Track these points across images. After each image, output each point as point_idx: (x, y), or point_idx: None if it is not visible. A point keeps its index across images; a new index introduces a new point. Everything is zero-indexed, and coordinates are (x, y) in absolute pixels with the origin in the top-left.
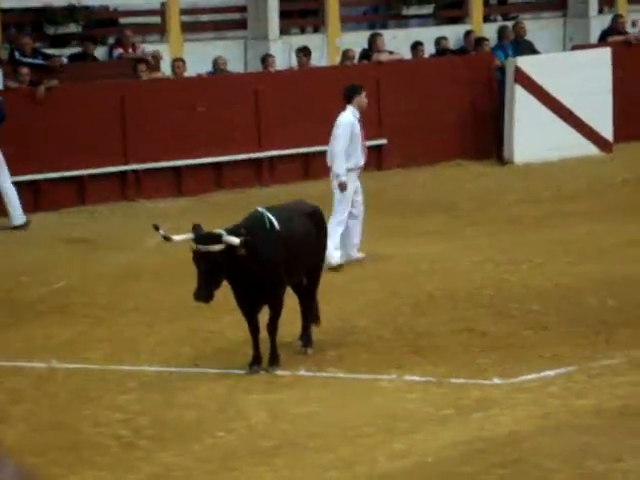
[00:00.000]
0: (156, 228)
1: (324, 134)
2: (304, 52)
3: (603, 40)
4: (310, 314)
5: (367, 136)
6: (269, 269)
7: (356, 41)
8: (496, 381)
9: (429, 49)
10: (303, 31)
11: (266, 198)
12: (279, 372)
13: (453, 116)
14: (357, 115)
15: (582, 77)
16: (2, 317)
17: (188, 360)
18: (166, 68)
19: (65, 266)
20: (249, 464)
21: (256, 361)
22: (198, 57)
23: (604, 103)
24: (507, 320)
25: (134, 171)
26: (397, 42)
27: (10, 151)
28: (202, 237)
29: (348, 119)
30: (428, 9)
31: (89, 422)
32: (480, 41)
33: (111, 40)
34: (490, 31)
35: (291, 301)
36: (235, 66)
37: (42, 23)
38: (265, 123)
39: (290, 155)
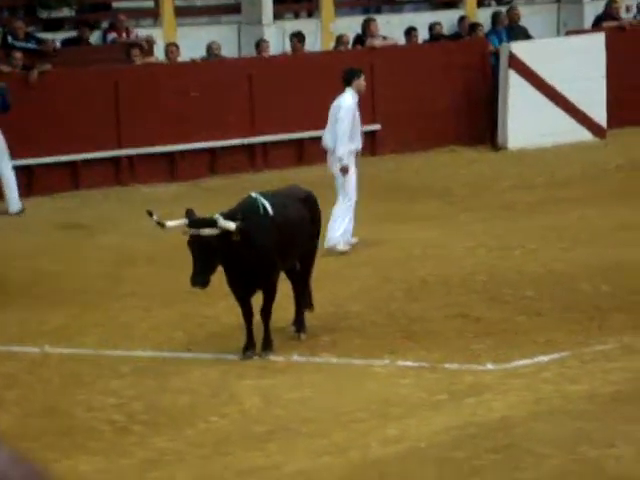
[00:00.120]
0: (150, 214)
1: (318, 119)
2: (298, 37)
3: (597, 25)
4: (303, 300)
5: (361, 122)
6: (263, 254)
7: (350, 26)
8: (489, 366)
9: (423, 34)
10: (297, 16)
11: (260, 183)
12: (272, 357)
13: (447, 102)
14: (356, 98)
15: (576, 63)
16: None
17: (182, 345)
18: (159, 53)
19: (59, 251)
20: (242, 449)
21: (250, 346)
22: (192, 42)
23: (598, 89)
24: (501, 306)
25: (128, 156)
26: (391, 27)
27: (3, 136)
28: (196, 222)
29: (350, 102)
30: None
31: (83, 407)
32: (474, 26)
33: (105, 24)
34: (484, 16)
35: (285, 286)
36: (229, 51)
37: (35, 7)
38: (259, 108)
39: (284, 140)
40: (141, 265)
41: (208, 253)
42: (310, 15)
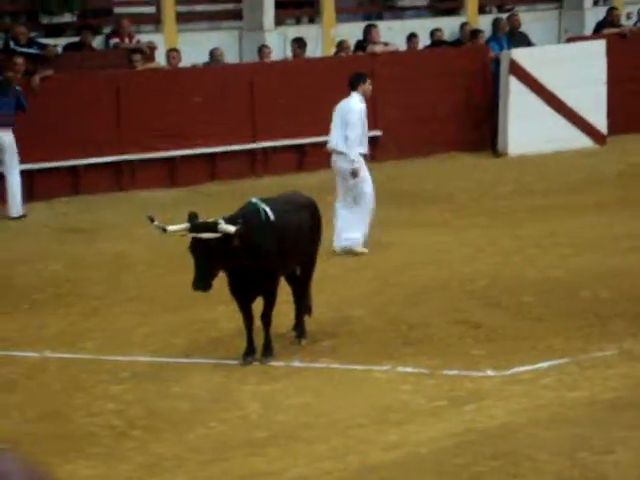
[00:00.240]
0: (151, 219)
1: (319, 125)
2: (299, 43)
3: (598, 32)
4: (303, 305)
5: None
6: (263, 259)
7: (351, 32)
8: (489, 373)
9: (424, 41)
10: (298, 22)
11: (260, 189)
12: (273, 363)
13: (448, 108)
14: (363, 103)
15: (577, 69)
16: None
17: (182, 350)
18: (161, 58)
19: (59, 256)
20: (242, 454)
21: (250, 352)
22: (193, 47)
23: (598, 95)
24: (500, 312)
25: (128, 161)
26: (392, 33)
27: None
28: (197, 226)
29: (359, 106)
30: (423, 1)
31: (82, 412)
32: (475, 33)
33: (107, 30)
34: (485, 23)
35: (285, 292)
36: (230, 57)
37: (37, 12)
38: (259, 114)
39: (284, 146)
40: (141, 270)
41: (209, 257)
42: (311, 21)
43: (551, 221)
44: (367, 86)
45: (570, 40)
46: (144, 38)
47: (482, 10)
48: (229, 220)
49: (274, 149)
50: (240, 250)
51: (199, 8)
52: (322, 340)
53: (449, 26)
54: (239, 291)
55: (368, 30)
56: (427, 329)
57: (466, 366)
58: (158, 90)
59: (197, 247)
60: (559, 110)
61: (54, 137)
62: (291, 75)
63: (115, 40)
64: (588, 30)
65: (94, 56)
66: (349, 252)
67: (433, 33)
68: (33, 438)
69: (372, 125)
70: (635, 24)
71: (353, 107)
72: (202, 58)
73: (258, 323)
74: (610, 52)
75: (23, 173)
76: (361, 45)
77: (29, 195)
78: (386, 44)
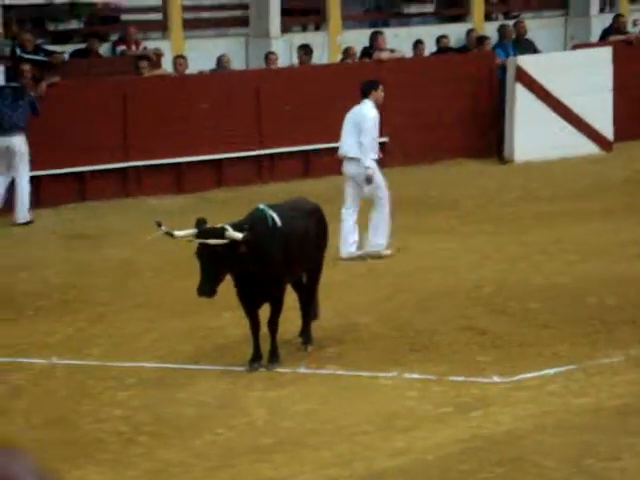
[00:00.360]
0: (158, 225)
1: (325, 132)
2: (305, 50)
3: (604, 39)
4: (310, 311)
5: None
6: (270, 266)
7: (357, 39)
8: (495, 379)
9: (430, 47)
10: (305, 29)
11: (266, 196)
12: (279, 369)
13: (454, 115)
14: (376, 110)
15: (583, 76)
16: (2, 313)
17: (188, 357)
18: (167, 65)
19: (65, 262)
20: (249, 461)
21: (256, 358)
22: (200, 54)
23: (605, 102)
24: (507, 318)
25: (135, 168)
26: (398, 40)
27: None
28: (205, 232)
29: (374, 113)
30: (429, 7)
31: (89, 418)
32: (481, 40)
33: (114, 37)
34: (491, 30)
35: (291, 299)
36: (237, 63)
37: (44, 19)
38: (266, 120)
39: (291, 153)
40: (147, 276)
41: (215, 263)
42: (318, 28)
43: (557, 227)
44: (379, 93)
45: (576, 47)
46: (151, 45)
47: (488, 17)
48: (236, 226)
49: (280, 155)
50: (247, 256)
51: (206, 15)
52: (328, 346)
53: (455, 33)
54: (246, 297)
55: (374, 37)
56: (433, 336)
57: (472, 372)
58: (165, 97)
59: (203, 252)
60: (565, 117)
61: (61, 143)
62: (297, 82)
63: (122, 47)
64: (594, 37)
65: (101, 63)
66: (376, 257)
67: (439, 40)
68: (40, 444)
69: (379, 131)
70: None
71: (366, 114)
72: (209, 65)
73: (264, 329)
74: (616, 59)
75: (30, 179)
76: (367, 52)
77: (36, 201)
78: (392, 51)
